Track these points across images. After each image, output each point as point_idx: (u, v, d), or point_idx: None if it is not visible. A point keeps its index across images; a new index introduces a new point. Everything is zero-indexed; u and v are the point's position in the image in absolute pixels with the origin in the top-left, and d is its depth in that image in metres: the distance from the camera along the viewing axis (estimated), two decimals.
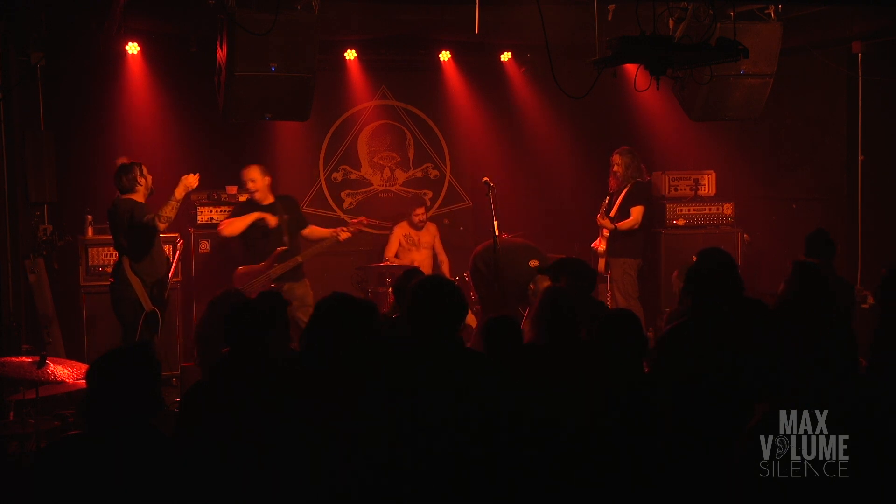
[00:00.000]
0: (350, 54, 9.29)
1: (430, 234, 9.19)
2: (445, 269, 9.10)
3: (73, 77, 8.38)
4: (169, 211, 6.48)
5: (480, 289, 7.17)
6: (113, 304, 6.71)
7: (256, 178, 7.46)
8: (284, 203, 7.58)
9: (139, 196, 6.65)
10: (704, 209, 8.86)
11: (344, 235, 7.55)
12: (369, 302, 4.60)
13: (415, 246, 9.09)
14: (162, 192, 6.90)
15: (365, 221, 7.82)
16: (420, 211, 9.15)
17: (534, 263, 6.96)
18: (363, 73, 9.59)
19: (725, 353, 4.01)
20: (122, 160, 7.00)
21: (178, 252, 7.32)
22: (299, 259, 7.39)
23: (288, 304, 4.42)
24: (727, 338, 4.05)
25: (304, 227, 7.64)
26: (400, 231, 9.13)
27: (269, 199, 7.51)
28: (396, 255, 8.99)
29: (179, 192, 6.54)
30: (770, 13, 7.03)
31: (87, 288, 7.85)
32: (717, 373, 3.94)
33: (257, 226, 7.37)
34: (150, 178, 6.73)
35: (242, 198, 8.03)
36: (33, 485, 3.08)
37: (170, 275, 6.96)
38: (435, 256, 9.19)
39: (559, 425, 3.77)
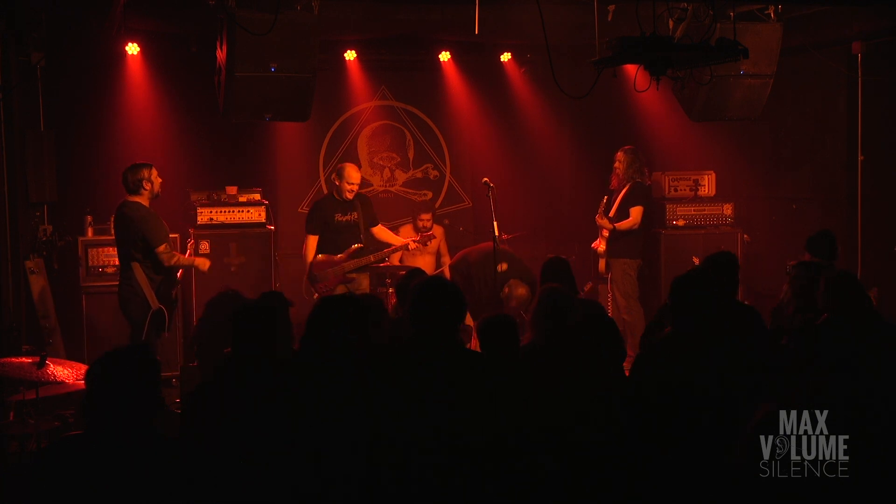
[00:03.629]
0: (350, 54, 9.29)
1: (436, 238, 9.14)
2: (447, 270, 9.08)
3: (73, 77, 8.38)
4: (182, 262, 6.89)
5: None
6: (120, 303, 6.69)
7: (356, 180, 7.67)
8: (362, 202, 7.80)
9: (144, 199, 6.64)
10: (704, 209, 8.84)
11: (413, 245, 7.89)
12: (372, 299, 4.61)
13: (419, 250, 9.04)
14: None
15: (437, 235, 8.28)
16: (427, 217, 8.95)
17: (502, 267, 6.98)
18: (363, 73, 9.59)
19: (709, 362, 4.03)
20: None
21: (188, 251, 7.36)
22: (371, 259, 7.61)
23: (291, 305, 4.42)
24: (709, 348, 4.09)
25: (374, 225, 7.85)
26: (406, 236, 9.08)
27: (350, 197, 7.69)
28: (401, 261, 8.91)
29: (199, 263, 7.04)
30: (770, 13, 7.03)
31: (87, 288, 7.83)
32: (704, 380, 3.96)
33: (336, 222, 7.59)
34: (158, 181, 6.73)
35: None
36: (33, 485, 3.08)
37: (178, 275, 6.98)
38: (438, 258, 9.16)
39: (558, 425, 3.77)
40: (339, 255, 7.57)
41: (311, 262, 7.62)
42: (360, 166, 9.90)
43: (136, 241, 6.55)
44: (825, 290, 4.84)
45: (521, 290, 6.33)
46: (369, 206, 7.89)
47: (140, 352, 3.23)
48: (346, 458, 3.43)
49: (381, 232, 7.90)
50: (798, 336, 4.73)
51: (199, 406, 3.64)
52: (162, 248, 6.57)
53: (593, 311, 5.19)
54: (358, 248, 7.56)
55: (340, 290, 7.43)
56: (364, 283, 7.64)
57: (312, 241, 7.64)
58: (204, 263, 7.06)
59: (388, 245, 7.90)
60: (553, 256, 5.99)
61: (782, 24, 7.07)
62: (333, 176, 7.78)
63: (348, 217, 7.63)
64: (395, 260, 8.80)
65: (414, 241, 7.84)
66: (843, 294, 4.75)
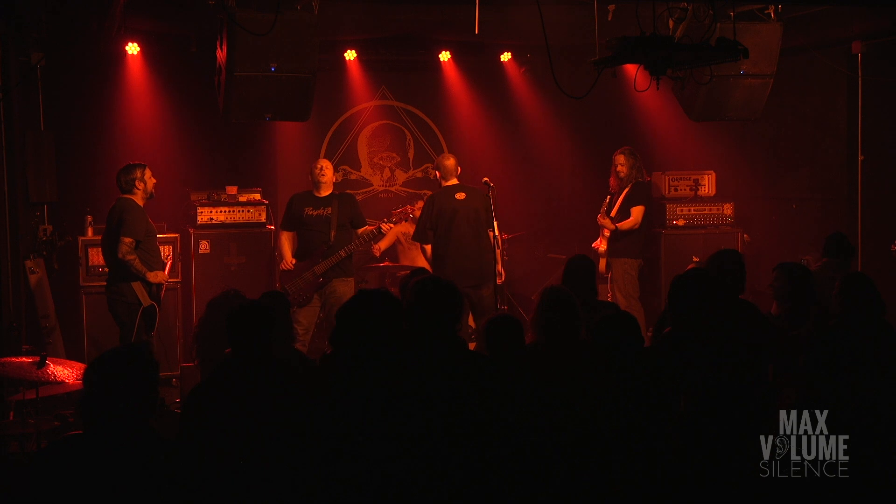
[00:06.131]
0: (350, 54, 9.29)
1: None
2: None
3: (73, 77, 8.39)
4: (135, 265, 6.49)
5: None
6: (109, 303, 6.68)
7: (328, 169, 7.47)
8: (340, 200, 7.50)
9: (137, 198, 6.64)
10: (704, 209, 8.85)
11: (386, 226, 7.56)
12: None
13: (416, 247, 9.05)
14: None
15: (409, 210, 7.83)
16: (420, 204, 9.07)
17: None
18: (363, 73, 9.59)
19: (708, 361, 4.04)
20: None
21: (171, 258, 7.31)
22: (342, 254, 7.30)
23: (290, 307, 4.42)
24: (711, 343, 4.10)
25: (360, 226, 7.54)
26: (399, 229, 9.07)
27: (328, 192, 7.46)
28: (385, 255, 8.79)
29: (150, 276, 6.58)
30: (770, 13, 7.03)
31: (87, 288, 7.83)
32: (705, 375, 3.95)
33: (306, 215, 7.37)
34: (151, 181, 6.72)
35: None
36: (32, 485, 3.08)
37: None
38: None
39: (560, 425, 3.77)
40: (306, 261, 7.30)
41: (280, 274, 7.45)
42: (360, 166, 9.97)
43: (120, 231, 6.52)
44: (839, 291, 4.84)
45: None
46: (352, 206, 7.56)
47: (138, 351, 3.22)
48: (345, 458, 3.43)
49: (365, 232, 7.59)
50: (801, 338, 4.73)
51: (199, 406, 3.65)
52: (128, 239, 6.46)
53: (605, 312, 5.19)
54: (324, 249, 7.28)
55: (315, 298, 7.24)
56: (340, 290, 7.26)
57: (283, 238, 7.47)
58: (156, 276, 6.65)
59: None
60: (577, 255, 5.88)
61: (782, 24, 7.07)
62: (309, 176, 7.56)
63: (319, 211, 7.38)
64: (381, 247, 8.68)
65: (387, 222, 7.56)
66: (849, 295, 4.74)
